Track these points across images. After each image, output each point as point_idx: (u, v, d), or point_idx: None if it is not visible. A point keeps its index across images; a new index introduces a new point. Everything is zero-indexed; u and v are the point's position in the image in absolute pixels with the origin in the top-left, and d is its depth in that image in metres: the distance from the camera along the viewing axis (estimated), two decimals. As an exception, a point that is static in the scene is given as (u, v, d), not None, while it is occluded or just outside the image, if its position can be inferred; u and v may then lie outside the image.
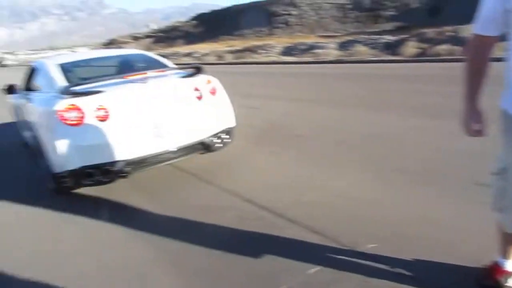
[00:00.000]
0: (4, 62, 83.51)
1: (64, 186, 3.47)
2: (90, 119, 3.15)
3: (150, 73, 3.61)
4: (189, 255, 2.47)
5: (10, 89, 5.00)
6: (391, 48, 16.22)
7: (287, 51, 21.94)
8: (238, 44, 42.72)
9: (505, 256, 1.85)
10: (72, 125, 3.12)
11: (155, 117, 3.39)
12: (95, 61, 4.61)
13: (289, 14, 64.20)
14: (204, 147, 3.72)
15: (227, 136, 3.98)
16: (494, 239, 1.88)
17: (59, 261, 2.54)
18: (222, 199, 3.26)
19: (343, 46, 19.11)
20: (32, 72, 4.83)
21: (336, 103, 6.92)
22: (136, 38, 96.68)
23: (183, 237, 2.68)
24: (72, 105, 3.13)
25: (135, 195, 3.48)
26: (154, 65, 4.24)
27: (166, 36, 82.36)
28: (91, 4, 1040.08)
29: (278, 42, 29.59)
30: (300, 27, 63.14)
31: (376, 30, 44.69)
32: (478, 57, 1.69)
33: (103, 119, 3.19)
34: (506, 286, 1.83)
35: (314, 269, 2.17)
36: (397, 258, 2.17)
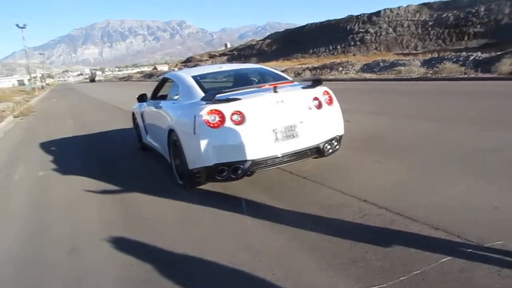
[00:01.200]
0: (96, 78, 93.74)
1: (195, 182, 4.04)
2: (228, 122, 3.67)
3: (279, 84, 4.07)
4: (320, 241, 2.81)
5: (142, 98, 5.80)
6: (482, 65, 15.47)
7: (367, 68, 21.83)
8: (312, 61, 43.23)
9: None
10: (212, 127, 3.67)
11: (281, 122, 3.82)
12: (222, 73, 5.24)
13: (366, 32, 63.51)
14: (318, 152, 4.08)
15: (336, 144, 4.31)
16: None
17: (204, 243, 3.03)
18: (338, 198, 3.58)
19: (428, 63, 18.60)
20: (163, 84, 5.61)
21: (432, 118, 6.92)
22: (212, 56, 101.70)
23: (310, 227, 3.03)
24: (215, 110, 3.68)
25: (259, 194, 3.92)
26: (277, 77, 4.75)
27: (241, 54, 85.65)
28: (173, 24, 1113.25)
29: (355, 59, 29.51)
30: (376, 45, 62.03)
31: (460, 47, 42.47)
32: None
33: (238, 123, 3.69)
34: None
35: (445, 258, 2.39)
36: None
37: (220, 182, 3.97)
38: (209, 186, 4.21)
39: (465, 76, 14.24)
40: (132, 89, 29.25)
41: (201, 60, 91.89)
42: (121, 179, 4.95)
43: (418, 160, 4.54)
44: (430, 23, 58.16)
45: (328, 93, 4.27)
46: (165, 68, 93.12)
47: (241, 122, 3.71)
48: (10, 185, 5.42)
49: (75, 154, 7.00)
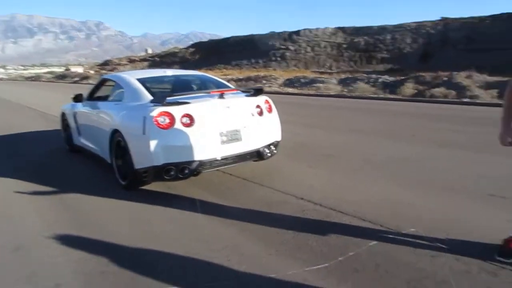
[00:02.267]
0: None
1: (140, 182, 4.14)
2: (178, 124, 3.86)
3: (225, 91, 4.35)
4: (266, 232, 3.14)
5: (78, 98, 5.66)
6: (390, 87, 17.35)
7: (289, 83, 23.04)
8: (235, 73, 44.09)
9: (519, 232, 2.58)
10: (163, 128, 3.82)
11: (227, 126, 4.10)
12: (166, 78, 5.36)
13: (286, 49, 66.54)
14: (259, 155, 4.43)
15: (274, 149, 4.71)
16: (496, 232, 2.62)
17: (158, 237, 3.19)
18: (278, 197, 3.95)
19: (343, 82, 20.26)
20: (101, 85, 5.56)
21: (351, 130, 7.74)
22: (131, 60, 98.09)
23: (257, 221, 3.35)
24: (165, 112, 3.84)
25: (204, 193, 4.14)
26: (219, 85, 5.03)
27: (163, 61, 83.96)
28: (89, 25, 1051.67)
29: (278, 74, 30.86)
30: (295, 62, 65.28)
31: (369, 70, 46.61)
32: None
33: (187, 125, 3.90)
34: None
35: (372, 242, 2.87)
36: (433, 237, 2.88)
37: (164, 183, 4.13)
38: (152, 187, 4.32)
39: (376, 95, 15.86)
40: (44, 90, 27.22)
41: (119, 64, 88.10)
42: (56, 180, 4.79)
43: (343, 165, 5.13)
44: (344, 46, 62.87)
45: (268, 102, 4.67)
46: (79, 69, 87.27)
47: (190, 124, 3.92)
48: None
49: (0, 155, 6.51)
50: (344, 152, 5.84)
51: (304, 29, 68.89)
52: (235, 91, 4.70)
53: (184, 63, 74.70)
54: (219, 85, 5.04)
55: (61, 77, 58.32)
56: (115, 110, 4.52)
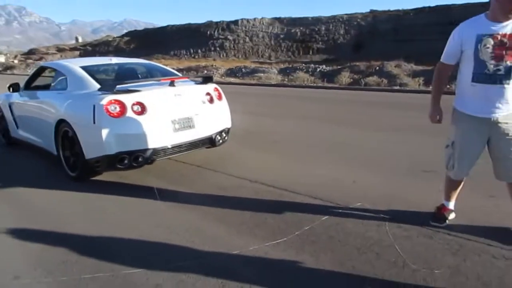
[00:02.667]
0: None
1: (92, 172, 4.06)
2: (129, 112, 3.82)
3: (175, 79, 4.36)
4: (225, 215, 3.27)
5: (14, 88, 5.32)
6: (327, 76, 18.11)
7: (231, 73, 23.13)
8: (174, 63, 43.18)
9: (448, 199, 2.95)
10: (114, 116, 3.77)
11: (178, 114, 4.13)
12: (112, 66, 5.20)
13: (225, 39, 66.21)
14: (211, 142, 4.52)
15: (226, 135, 4.82)
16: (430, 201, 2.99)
17: (117, 225, 3.20)
18: (232, 181, 4.09)
19: (283, 71, 20.76)
20: (39, 73, 5.28)
21: (295, 117, 8.05)
22: (61, 49, 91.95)
23: (215, 205, 3.47)
24: (115, 100, 3.78)
25: (159, 181, 4.16)
26: (167, 73, 5.00)
27: (95, 50, 79.74)
28: (10, 9, 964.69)
29: (218, 64, 30.78)
30: (234, 52, 65.27)
31: (306, 60, 47.98)
32: (443, 76, 2.83)
33: (139, 113, 3.87)
34: (449, 218, 2.92)
35: (324, 217, 3.11)
36: (377, 209, 3.19)
37: (116, 173, 4.09)
38: (103, 177, 4.25)
39: (315, 84, 16.48)
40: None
41: (47, 53, 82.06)
42: (1, 173, 4.53)
43: (290, 150, 5.38)
44: (282, 36, 63.93)
45: (218, 90, 4.76)
46: (1, 59, 79.94)
47: (142, 112, 3.89)
48: None
49: None
50: (291, 138, 6.11)
51: (242, 19, 68.91)
52: (185, 79, 4.72)
53: (119, 53, 71.48)
54: (166, 73, 5.03)
55: (-21, 66, 53.26)
56: (59, 100, 4.34)
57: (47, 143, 4.67)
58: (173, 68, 25.60)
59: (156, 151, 3.99)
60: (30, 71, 5.05)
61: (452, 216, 2.98)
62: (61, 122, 4.22)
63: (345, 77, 16.81)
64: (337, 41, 57.50)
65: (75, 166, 4.18)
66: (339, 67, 19.66)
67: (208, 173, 4.41)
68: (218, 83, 5.62)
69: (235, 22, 68.34)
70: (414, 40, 45.26)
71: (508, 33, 2.45)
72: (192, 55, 64.21)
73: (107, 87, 3.93)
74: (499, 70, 2.47)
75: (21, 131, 5.40)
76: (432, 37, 43.06)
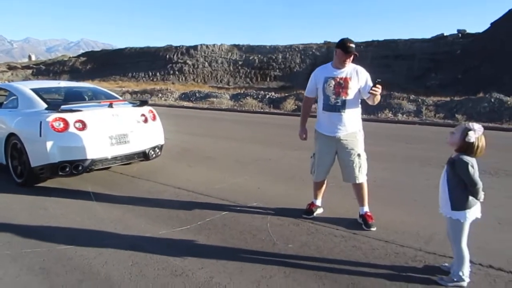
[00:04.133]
0: None
1: (37, 178, 4.74)
2: (72, 128, 4.58)
3: (114, 102, 5.17)
4: (148, 211, 4.07)
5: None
6: (274, 102, 19.37)
7: (185, 97, 23.93)
8: (132, 86, 43.38)
9: (315, 197, 3.94)
10: (58, 131, 4.51)
11: (115, 131, 4.92)
12: (59, 89, 5.91)
13: (184, 63, 67.08)
14: (145, 156, 5.32)
15: (159, 151, 5.64)
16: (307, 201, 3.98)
17: (57, 218, 3.92)
18: (159, 187, 4.90)
19: (235, 97, 21.85)
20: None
21: (232, 138, 9.00)
22: (12, 67, 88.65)
23: (140, 204, 4.27)
24: (60, 118, 4.53)
25: (96, 187, 4.89)
26: (108, 96, 5.79)
27: (49, 69, 77.76)
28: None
29: (174, 88, 31.48)
30: (193, 76, 66.15)
31: (263, 87, 49.70)
32: (307, 106, 3.87)
33: (81, 129, 4.63)
34: (318, 212, 3.89)
35: (225, 212, 4.00)
36: (267, 207, 4.12)
37: (58, 180, 4.78)
38: (47, 184, 4.92)
39: (262, 110, 17.65)
40: None
41: (-3, 71, 78.89)
42: None
43: (217, 164, 6.27)
44: (240, 62, 65.76)
45: (152, 112, 5.61)
46: None
47: (83, 128, 4.66)
48: None
49: None
50: (222, 155, 7.01)
51: (201, 44, 70.18)
52: (123, 102, 5.54)
53: (74, 73, 70.29)
54: (108, 97, 5.82)
55: None
56: (10, 116, 5.01)
57: (-4, 154, 5.26)
58: (129, 90, 25.79)
59: (94, 161, 4.74)
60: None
61: (320, 211, 3.97)
62: (10, 136, 4.87)
63: (290, 104, 18.10)
64: (293, 69, 60.04)
65: (22, 174, 4.83)
66: (286, 94, 21.05)
67: (140, 181, 5.20)
68: (170, 106, 6.48)
69: (195, 47, 69.53)
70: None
71: (343, 76, 3.52)
72: (151, 78, 64.41)
73: (53, 106, 4.68)
74: (337, 102, 3.53)
75: (-29, 144, 5.92)
76: (379, 69, 46.45)
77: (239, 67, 64.91)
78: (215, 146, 8.00)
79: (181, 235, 3.46)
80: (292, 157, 6.82)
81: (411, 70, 43.12)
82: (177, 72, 66.25)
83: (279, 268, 2.87)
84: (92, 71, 70.87)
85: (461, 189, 2.53)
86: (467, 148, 2.49)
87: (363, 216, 3.66)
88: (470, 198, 2.52)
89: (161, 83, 52.50)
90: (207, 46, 70.66)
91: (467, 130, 2.48)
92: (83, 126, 4.67)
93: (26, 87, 5.37)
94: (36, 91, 5.22)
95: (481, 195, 2.51)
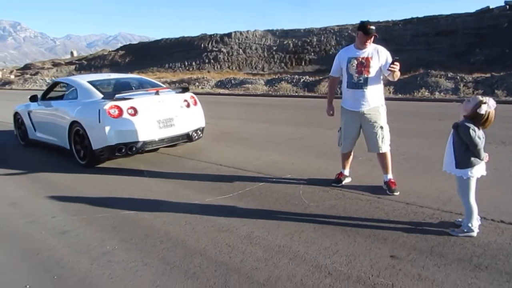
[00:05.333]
0: None
1: (98, 159, 5.43)
2: (125, 114, 5.20)
3: (160, 89, 5.77)
4: (194, 184, 4.64)
5: (34, 98, 6.70)
6: (309, 86, 19.59)
7: (221, 84, 24.59)
8: (169, 76, 44.69)
9: (343, 167, 4.34)
10: (114, 117, 5.15)
11: (162, 115, 5.52)
12: (111, 80, 6.60)
13: (219, 51, 67.81)
14: (188, 137, 5.90)
15: (200, 133, 6.21)
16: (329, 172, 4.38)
17: (119, 191, 4.57)
18: (202, 165, 5.46)
19: (270, 82, 22.23)
20: (53, 87, 6.68)
21: (266, 121, 9.47)
22: (56, 64, 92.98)
23: (187, 178, 4.84)
24: (115, 105, 5.17)
25: (148, 166, 5.53)
26: (153, 85, 6.41)
27: (91, 64, 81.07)
28: (4, 25, 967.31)
29: (210, 76, 32.23)
30: (228, 64, 66.75)
31: (299, 71, 49.49)
32: (332, 85, 4.26)
33: (133, 115, 5.26)
34: (346, 181, 4.30)
35: (262, 183, 4.49)
36: (300, 178, 4.57)
37: (115, 161, 5.44)
38: (105, 165, 5.62)
39: (296, 94, 17.95)
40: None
41: (43, 68, 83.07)
42: (26, 166, 5.86)
43: (253, 144, 6.77)
44: (274, 48, 65.63)
45: (193, 97, 6.16)
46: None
47: (134, 114, 5.28)
48: None
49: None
50: (257, 136, 7.50)
51: (235, 32, 70.40)
52: (167, 89, 6.13)
53: (114, 66, 72.89)
54: (153, 85, 6.44)
55: (-20, 82, 54.48)
56: (72, 106, 5.72)
57: (61, 140, 6.02)
58: (167, 81, 26.79)
59: (145, 143, 5.37)
60: (29, 86, 6.42)
61: (348, 180, 4.37)
62: (73, 123, 5.58)
63: (324, 86, 18.25)
64: (329, 51, 59.16)
65: (85, 156, 5.54)
66: (320, 77, 21.16)
67: (185, 160, 5.80)
68: (207, 94, 7.04)
69: (229, 35, 70.05)
70: (403, 50, 46.90)
71: (365, 56, 3.87)
72: (187, 68, 65.79)
73: (108, 96, 5.33)
74: (360, 80, 3.89)
75: (38, 133, 6.76)
76: (419, 47, 44.89)
77: (274, 53, 64.78)
78: (250, 129, 8.50)
79: (224, 202, 3.99)
80: (324, 135, 7.18)
81: (453, 46, 41.41)
82: (212, 61, 67.15)
83: (309, 225, 3.33)
84: (131, 63, 73.19)
85: (464, 150, 2.86)
86: (475, 117, 2.80)
87: (387, 183, 4.03)
88: (472, 158, 2.85)
89: (197, 72, 53.55)
90: (241, 33, 70.82)
91: (481, 102, 2.78)
92: (135, 112, 5.29)
93: (84, 80, 6.07)
94: (92, 83, 5.91)
95: (483, 155, 2.83)
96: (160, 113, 5.53)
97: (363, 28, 3.80)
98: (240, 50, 67.72)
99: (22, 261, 2.98)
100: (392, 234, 3.08)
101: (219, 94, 20.31)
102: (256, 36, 69.21)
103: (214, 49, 69.55)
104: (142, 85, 6.63)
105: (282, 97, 17.18)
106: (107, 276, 2.69)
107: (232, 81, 24.49)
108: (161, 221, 3.57)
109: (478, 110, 2.76)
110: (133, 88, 6.54)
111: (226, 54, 67.50)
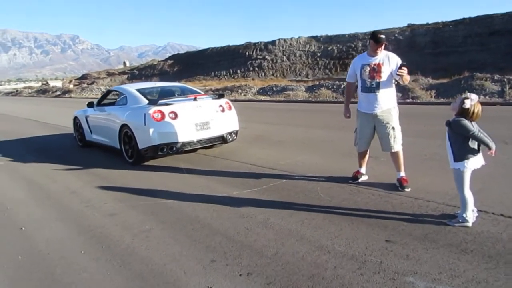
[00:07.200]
0: None
1: (143, 158, 6.13)
2: (167, 118, 5.87)
3: (198, 96, 6.41)
4: (225, 180, 5.18)
5: (90, 105, 7.61)
6: (349, 92, 19.68)
7: (263, 91, 25.23)
8: (214, 84, 46.07)
9: (360, 165, 4.69)
10: (157, 120, 5.83)
11: (199, 119, 6.13)
12: (156, 88, 7.37)
13: (263, 58, 68.79)
14: (223, 139, 6.48)
15: (234, 135, 6.76)
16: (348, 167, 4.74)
17: (160, 185, 5.21)
18: (235, 164, 6.00)
19: (310, 89, 22.55)
20: (107, 94, 7.55)
21: (302, 125, 9.89)
22: (110, 74, 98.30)
23: (220, 175, 5.39)
24: (158, 110, 5.85)
25: (186, 164, 6.16)
26: (193, 91, 7.08)
27: (142, 74, 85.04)
28: (65, 38, 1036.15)
29: (253, 83, 33.02)
30: (272, 71, 67.45)
31: (343, 77, 48.90)
32: (349, 90, 4.64)
33: (173, 118, 5.91)
34: (362, 179, 4.65)
35: (285, 180, 4.94)
36: (321, 176, 4.97)
37: (158, 160, 6.12)
38: (150, 163, 6.32)
39: (335, 99, 18.16)
40: (30, 105, 28.60)
41: (98, 78, 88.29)
42: (83, 163, 6.72)
43: (286, 146, 7.23)
44: (318, 54, 65.53)
45: (228, 103, 6.74)
46: (58, 84, 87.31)
47: (175, 118, 5.93)
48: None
49: (25, 150, 8.34)
50: (290, 139, 7.95)
51: (279, 39, 71.06)
52: (204, 95, 6.76)
53: (163, 75, 76.06)
54: (193, 92, 7.11)
55: (42, 91, 59.09)
56: (122, 111, 6.50)
57: (112, 141, 6.82)
58: (211, 88, 27.83)
59: (184, 144, 6.00)
60: (86, 94, 7.30)
61: (365, 178, 4.72)
62: (123, 126, 6.34)
63: (364, 92, 18.34)
64: (374, 57, 58.25)
65: (132, 155, 6.28)
66: (361, 83, 21.18)
67: (219, 160, 6.37)
68: (249, 101, 7.60)
69: (273, 42, 70.89)
70: (453, 52, 45.06)
71: (377, 62, 4.23)
72: (232, 76, 67.36)
73: (153, 102, 6.04)
74: (373, 84, 4.26)
75: (94, 135, 7.65)
76: (472, 48, 42.96)
77: (318, 59, 64.70)
78: (285, 133, 8.96)
79: (249, 195, 4.49)
80: (352, 137, 7.47)
81: (510, 46, 39.28)
82: (256, 68, 68.26)
83: (320, 214, 3.74)
84: (179, 72, 76.00)
85: (460, 144, 3.17)
86: (463, 112, 3.12)
87: (399, 180, 4.34)
88: (467, 151, 3.15)
89: (242, 79, 54.65)
90: (284, 40, 71.35)
91: (464, 98, 3.12)
92: (175, 116, 5.94)
93: (132, 88, 6.86)
94: (139, 90, 6.68)
95: (490, 142, 3.09)
96: (198, 117, 6.15)
97: (374, 37, 4.18)
98: (284, 57, 68.26)
99: (79, 235, 3.65)
100: (393, 223, 3.43)
101: (260, 101, 20.92)
102: (300, 42, 69.47)
103: (258, 56, 70.59)
104: (183, 92, 7.31)
105: (321, 103, 17.47)
106: (145, 247, 3.28)
107: (274, 88, 25.04)
108: (192, 208, 4.14)
109: (463, 106, 3.08)
110: (176, 94, 7.24)
111: (270, 62, 68.29)
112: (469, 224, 3.24)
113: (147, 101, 6.26)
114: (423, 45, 49.38)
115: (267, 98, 22.34)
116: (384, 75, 4.24)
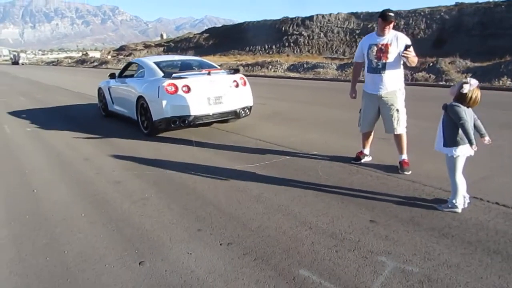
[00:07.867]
0: (20, 61, 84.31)
1: (157, 130, 6.33)
2: (180, 91, 6.00)
3: (212, 70, 6.49)
4: (231, 154, 5.29)
5: (112, 76, 7.88)
6: (380, 71, 19.10)
7: (293, 68, 24.93)
8: (248, 59, 45.78)
9: (363, 146, 4.66)
10: (170, 93, 5.97)
11: (212, 93, 6.22)
12: (174, 61, 7.51)
13: (299, 34, 67.43)
14: (236, 114, 6.56)
15: (248, 111, 6.82)
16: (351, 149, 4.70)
17: (169, 156, 5.39)
18: (244, 139, 6.09)
19: (342, 67, 22.06)
20: (128, 66, 7.76)
21: (321, 104, 9.80)
22: (147, 46, 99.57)
23: (227, 149, 5.50)
24: (171, 83, 5.99)
25: (198, 137, 6.32)
26: (210, 66, 7.16)
27: (177, 46, 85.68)
28: (105, 9, 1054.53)
29: (285, 60, 32.62)
30: (308, 47, 66.11)
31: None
32: (356, 70, 4.57)
33: (186, 92, 6.04)
34: (365, 159, 4.63)
35: (288, 157, 4.99)
36: (324, 154, 4.97)
37: (172, 132, 6.30)
38: (164, 134, 6.52)
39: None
40: (68, 75, 29.69)
41: (135, 50, 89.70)
42: (103, 131, 7.04)
43: (299, 124, 7.23)
44: (357, 31, 63.27)
45: (243, 78, 6.78)
46: (97, 54, 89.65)
47: (188, 91, 6.05)
48: (8, 136, 7.21)
49: (53, 118, 8.80)
50: (306, 117, 7.93)
51: (317, 15, 69.16)
52: (219, 70, 6.82)
53: (198, 48, 76.30)
54: (210, 66, 7.18)
55: (81, 62, 61.02)
56: (139, 83, 6.69)
57: (130, 112, 7.06)
58: (242, 64, 27.79)
59: (196, 117, 6.13)
60: (121, 66, 7.55)
61: (368, 159, 4.70)
62: (140, 98, 6.54)
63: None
64: (417, 35, 55.58)
65: (147, 126, 6.49)
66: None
67: (230, 134, 6.48)
68: (278, 77, 7.63)
69: (310, 18, 69.13)
70: (504, 35, 42.37)
71: (384, 43, 4.13)
72: (267, 51, 66.61)
73: (167, 75, 6.17)
74: (379, 65, 4.17)
75: (115, 105, 7.94)
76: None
77: (356, 36, 62.57)
78: (304, 111, 8.92)
79: (250, 169, 4.58)
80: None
81: None
82: (292, 44, 67.09)
83: (313, 192, 3.79)
84: (214, 46, 75.98)
85: (451, 129, 3.10)
86: (461, 97, 3.04)
87: (401, 162, 4.30)
88: (458, 137, 3.07)
89: (276, 55, 53.95)
90: (323, 16, 69.36)
91: (463, 83, 3.02)
92: (188, 89, 6.06)
93: (150, 60, 7.02)
94: (156, 63, 6.82)
95: (472, 137, 3.00)
96: (211, 91, 6.24)
97: (382, 15, 4.06)
98: (322, 33, 66.56)
99: (83, 200, 3.89)
100: (383, 204, 3.43)
101: (289, 77, 20.73)
102: (338, 19, 67.35)
103: (295, 32, 69.20)
104: (201, 66, 7.40)
105: (349, 82, 17.12)
106: (140, 213, 3.47)
107: (305, 65, 24.66)
108: (193, 180, 4.29)
109: (461, 91, 2.99)
110: (194, 68, 7.35)
111: (307, 38, 66.85)
112: (459, 210, 3.19)
113: (162, 74, 6.40)
114: (470, 26, 46.58)
115: (297, 75, 22.08)
116: (391, 56, 4.13)
